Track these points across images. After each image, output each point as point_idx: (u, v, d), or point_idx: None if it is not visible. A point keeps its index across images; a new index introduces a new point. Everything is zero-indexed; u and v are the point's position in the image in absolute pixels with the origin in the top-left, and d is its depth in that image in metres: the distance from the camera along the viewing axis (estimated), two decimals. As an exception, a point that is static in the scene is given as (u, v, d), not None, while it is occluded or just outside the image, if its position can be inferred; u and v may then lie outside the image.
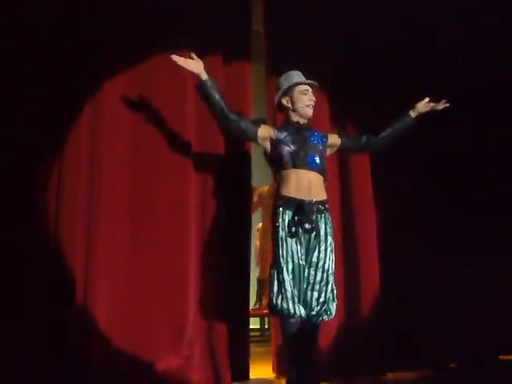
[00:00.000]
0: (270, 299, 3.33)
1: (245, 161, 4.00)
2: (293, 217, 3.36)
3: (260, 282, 6.41)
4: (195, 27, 3.94)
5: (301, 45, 4.29)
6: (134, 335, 3.52)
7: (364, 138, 3.71)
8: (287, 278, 3.30)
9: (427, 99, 3.77)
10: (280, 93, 3.55)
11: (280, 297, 3.29)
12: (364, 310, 4.25)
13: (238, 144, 3.94)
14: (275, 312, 3.35)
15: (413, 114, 3.77)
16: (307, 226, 3.36)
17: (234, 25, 4.10)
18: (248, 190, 4.05)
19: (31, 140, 3.50)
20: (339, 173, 4.34)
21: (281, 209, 3.39)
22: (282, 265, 3.31)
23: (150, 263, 3.65)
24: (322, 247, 3.38)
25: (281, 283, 3.30)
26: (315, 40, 4.37)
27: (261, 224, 4.41)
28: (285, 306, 3.27)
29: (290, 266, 3.32)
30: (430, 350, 4.29)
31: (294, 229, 3.35)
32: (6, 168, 3.43)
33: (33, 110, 3.54)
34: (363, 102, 4.38)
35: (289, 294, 3.28)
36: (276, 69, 4.00)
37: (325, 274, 3.36)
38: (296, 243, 3.35)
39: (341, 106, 4.38)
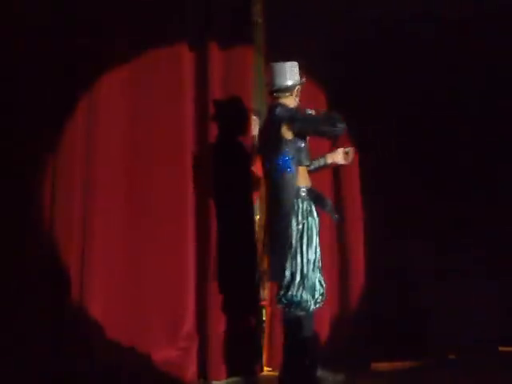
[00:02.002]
0: (291, 294, 3.28)
1: (244, 151, 3.96)
2: (316, 206, 3.39)
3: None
4: (194, 14, 3.92)
5: (300, 34, 4.25)
6: (131, 327, 3.54)
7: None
8: (311, 271, 3.30)
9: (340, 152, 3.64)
10: (299, 81, 3.51)
11: (302, 291, 3.28)
12: (355, 300, 4.27)
13: (236, 135, 3.93)
14: (295, 307, 3.30)
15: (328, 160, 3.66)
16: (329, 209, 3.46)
17: (234, 9, 4.07)
18: (249, 180, 4.01)
19: (27, 133, 3.51)
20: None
21: (305, 202, 3.37)
22: (310, 257, 3.31)
23: (148, 255, 3.66)
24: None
25: (304, 277, 3.28)
26: (314, 29, 4.34)
27: (258, 216, 4.42)
28: (304, 297, 3.27)
29: (313, 258, 3.33)
30: (429, 341, 4.31)
31: (317, 218, 3.38)
32: (2, 160, 3.45)
33: (29, 102, 3.55)
34: (359, 97, 4.35)
35: (310, 287, 3.29)
36: (275, 58, 3.97)
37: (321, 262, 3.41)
38: (317, 234, 3.38)
39: (337, 99, 4.34)
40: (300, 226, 3.31)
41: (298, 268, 3.29)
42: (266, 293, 4.20)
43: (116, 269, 3.59)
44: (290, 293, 3.29)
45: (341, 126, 3.33)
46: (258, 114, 4.17)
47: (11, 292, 3.37)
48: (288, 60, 3.54)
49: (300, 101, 3.55)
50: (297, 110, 3.46)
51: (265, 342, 4.08)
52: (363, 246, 4.33)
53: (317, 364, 3.33)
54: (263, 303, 4.30)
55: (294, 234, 3.30)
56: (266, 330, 4.10)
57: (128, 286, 3.60)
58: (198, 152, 3.86)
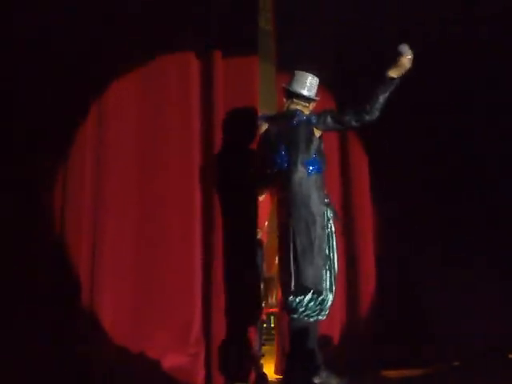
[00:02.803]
0: (302, 303, 3.26)
1: (250, 157, 3.93)
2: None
3: (266, 280, 6.31)
4: (200, 24, 3.96)
5: (309, 41, 4.28)
6: (140, 332, 3.54)
7: (347, 117, 3.38)
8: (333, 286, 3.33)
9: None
10: (316, 95, 3.51)
11: (314, 303, 3.27)
12: (364, 307, 4.27)
13: (243, 142, 3.94)
14: (301, 314, 3.27)
15: (392, 73, 3.31)
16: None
17: (240, 19, 4.08)
18: (253, 186, 3.99)
19: (38, 140, 3.55)
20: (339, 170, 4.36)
21: (328, 209, 3.39)
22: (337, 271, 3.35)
23: (157, 261, 3.67)
24: None
25: (322, 290, 3.27)
26: (323, 36, 4.38)
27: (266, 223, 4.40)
28: (313, 308, 3.27)
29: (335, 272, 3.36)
30: (436, 348, 4.29)
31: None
32: (14, 164, 3.48)
33: (40, 109, 3.59)
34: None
35: (321, 302, 3.29)
36: (285, 65, 4.00)
37: None
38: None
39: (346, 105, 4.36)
40: (326, 235, 3.31)
41: (327, 278, 3.29)
42: (274, 300, 4.19)
43: (125, 274, 3.60)
44: (300, 300, 3.26)
45: (371, 115, 3.33)
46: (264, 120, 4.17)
47: (21, 294, 3.37)
48: (298, 68, 3.55)
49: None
50: (325, 111, 3.46)
51: (274, 348, 4.08)
52: (373, 252, 4.33)
53: (319, 371, 3.28)
54: (272, 310, 4.30)
55: (325, 242, 3.30)
56: (276, 337, 4.09)
57: (137, 291, 3.61)
58: (204, 159, 3.87)
